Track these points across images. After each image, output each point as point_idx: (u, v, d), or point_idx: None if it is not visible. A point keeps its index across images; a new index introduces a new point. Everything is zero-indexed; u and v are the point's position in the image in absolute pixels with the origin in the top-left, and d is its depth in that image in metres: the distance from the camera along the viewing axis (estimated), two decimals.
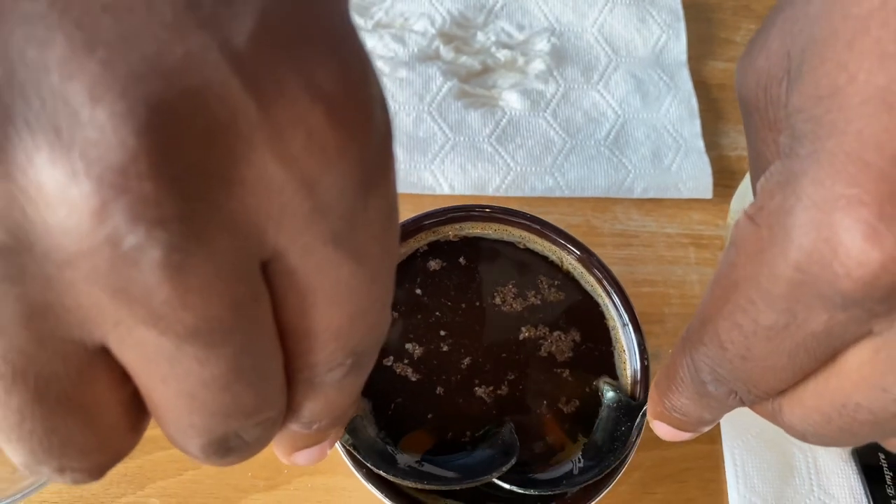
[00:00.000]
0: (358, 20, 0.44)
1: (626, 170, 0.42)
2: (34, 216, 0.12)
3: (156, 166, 0.12)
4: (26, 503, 0.33)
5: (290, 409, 0.17)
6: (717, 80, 0.46)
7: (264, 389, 0.15)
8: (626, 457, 0.28)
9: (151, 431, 0.35)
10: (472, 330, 0.30)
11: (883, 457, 0.36)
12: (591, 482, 0.28)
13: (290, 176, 0.13)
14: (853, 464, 0.37)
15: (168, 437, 0.16)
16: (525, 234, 0.32)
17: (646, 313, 0.39)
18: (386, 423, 0.29)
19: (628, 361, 0.31)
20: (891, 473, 0.36)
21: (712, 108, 0.45)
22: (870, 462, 0.36)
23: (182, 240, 0.12)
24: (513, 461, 0.27)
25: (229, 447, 0.16)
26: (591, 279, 0.32)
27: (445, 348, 0.30)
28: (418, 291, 0.31)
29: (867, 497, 0.36)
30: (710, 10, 0.48)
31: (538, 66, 0.44)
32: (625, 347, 0.31)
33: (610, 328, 0.32)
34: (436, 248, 0.32)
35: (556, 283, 0.32)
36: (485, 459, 0.28)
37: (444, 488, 0.27)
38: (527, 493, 0.27)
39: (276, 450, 0.20)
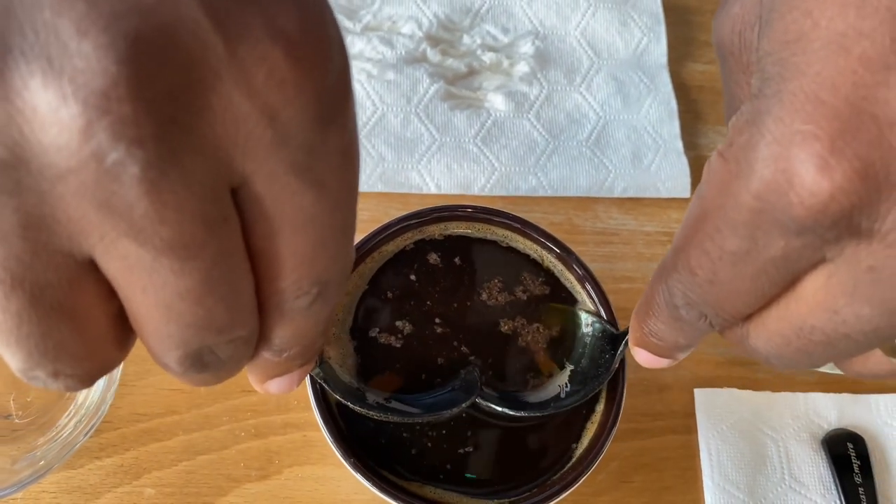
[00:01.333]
0: (346, 23, 0.45)
1: (607, 170, 0.43)
2: (29, 135, 0.13)
3: (134, 91, 0.13)
4: (26, 494, 0.34)
5: (261, 337, 0.19)
6: (697, 81, 0.48)
7: (235, 307, 0.17)
8: (621, 385, 0.30)
9: (146, 424, 0.36)
10: (455, 318, 0.32)
11: (851, 446, 0.38)
12: (575, 405, 0.30)
13: (253, 107, 0.15)
14: (823, 453, 0.38)
15: (149, 351, 0.17)
16: (507, 232, 0.34)
17: (625, 308, 0.40)
18: (362, 376, 0.30)
19: None
20: (858, 462, 0.38)
21: (691, 109, 0.46)
22: (838, 451, 0.38)
23: (157, 158, 0.14)
24: (473, 398, 0.29)
25: (204, 362, 0.17)
26: (571, 276, 0.33)
27: (428, 330, 0.31)
28: (407, 281, 0.32)
29: (836, 484, 0.37)
30: (690, 14, 0.49)
31: (522, 68, 0.45)
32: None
33: None
34: (422, 246, 0.33)
35: (539, 280, 0.33)
36: (448, 398, 0.29)
37: (406, 420, 0.29)
38: (517, 414, 0.29)
39: (250, 378, 0.22)
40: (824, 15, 0.17)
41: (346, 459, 0.29)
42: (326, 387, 0.28)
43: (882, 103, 0.16)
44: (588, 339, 0.31)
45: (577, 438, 0.31)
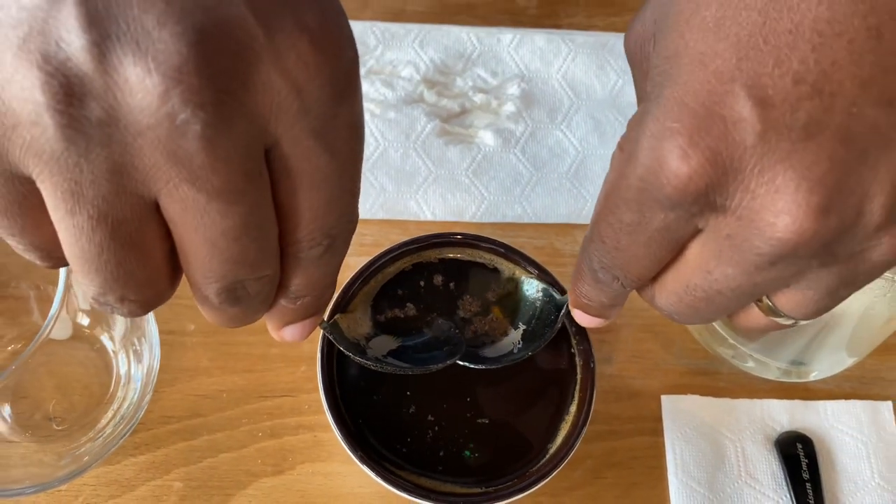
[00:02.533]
0: None
1: (585, 199, 0.48)
2: (121, 100, 0.18)
3: (199, 68, 0.18)
4: (69, 486, 0.39)
5: (280, 285, 0.24)
6: None
7: (264, 248, 0.21)
8: (590, 391, 0.36)
9: (175, 426, 0.41)
10: (444, 313, 0.37)
11: (800, 447, 0.43)
12: (523, 358, 0.34)
13: (284, 83, 0.20)
14: (775, 453, 0.43)
15: (193, 286, 0.22)
16: (493, 256, 0.38)
17: None
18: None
19: (579, 365, 0.37)
20: (806, 461, 0.42)
21: None
22: (789, 452, 0.43)
23: (214, 119, 0.19)
24: (454, 360, 0.33)
25: (237, 296, 0.22)
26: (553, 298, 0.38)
27: (421, 322, 0.36)
28: (405, 300, 0.37)
29: (786, 481, 0.42)
30: None
31: (509, 108, 0.50)
32: (576, 353, 0.37)
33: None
34: (419, 268, 0.38)
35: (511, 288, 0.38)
36: (434, 357, 0.34)
37: (399, 372, 0.33)
38: (477, 367, 0.34)
39: (269, 325, 0.26)
40: (692, 37, 0.22)
41: (353, 453, 0.34)
42: (333, 340, 0.32)
43: (728, 107, 0.20)
44: (538, 304, 0.36)
45: (552, 438, 0.36)
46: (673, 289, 0.25)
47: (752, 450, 0.43)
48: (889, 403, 0.44)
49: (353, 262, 0.45)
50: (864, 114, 0.20)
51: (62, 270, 0.30)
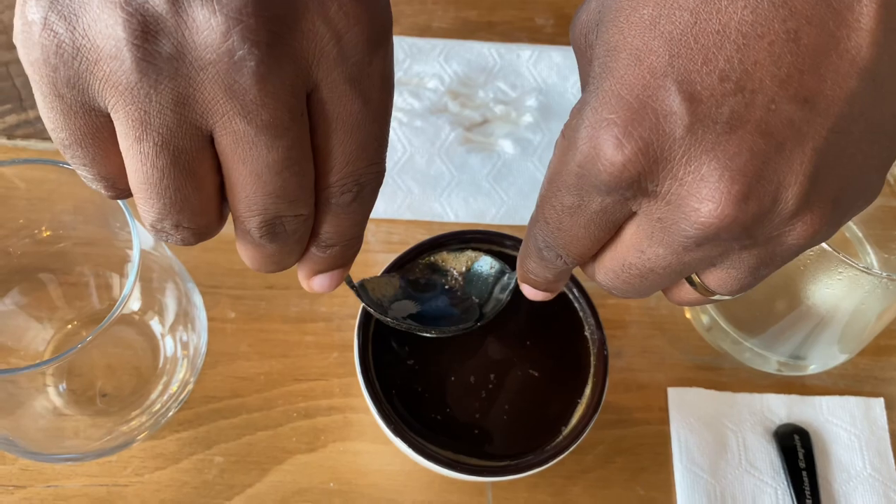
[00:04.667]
0: None
1: None
2: (188, 37, 0.20)
3: (257, 11, 0.21)
4: (119, 457, 0.42)
5: (312, 234, 0.26)
6: None
7: (302, 185, 0.23)
8: (602, 381, 0.39)
9: (217, 405, 0.44)
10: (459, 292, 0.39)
11: (797, 438, 0.46)
12: (479, 326, 0.36)
13: (327, 29, 0.22)
14: (774, 444, 0.46)
15: (237, 218, 0.24)
16: (515, 252, 0.42)
17: (611, 320, 0.48)
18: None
19: (592, 350, 0.40)
20: (803, 451, 0.45)
21: None
22: (787, 443, 0.45)
23: (267, 57, 0.21)
24: (471, 325, 0.36)
25: (275, 232, 0.25)
26: (564, 288, 0.41)
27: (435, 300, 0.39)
28: (429, 275, 0.40)
29: (784, 469, 0.45)
30: None
31: (528, 119, 0.54)
32: (591, 342, 0.40)
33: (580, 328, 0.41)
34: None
35: None
36: (449, 321, 0.36)
37: (419, 332, 0.35)
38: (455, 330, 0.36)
39: (300, 274, 0.29)
40: (630, 33, 0.22)
41: (387, 425, 0.37)
42: (358, 297, 0.34)
43: (660, 101, 0.22)
44: (491, 279, 0.38)
45: (567, 419, 0.39)
46: (611, 266, 0.27)
47: (752, 440, 0.46)
48: (881, 400, 0.47)
49: (382, 259, 0.48)
50: (782, 110, 0.21)
51: (134, 259, 0.33)
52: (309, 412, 0.44)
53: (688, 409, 0.46)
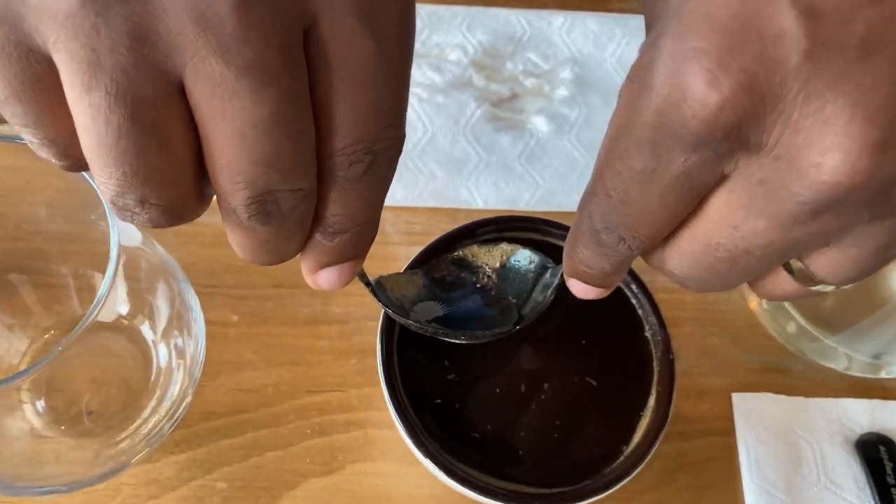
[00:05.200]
0: None
1: None
2: None
3: None
4: (107, 485, 0.36)
5: (317, 215, 0.21)
6: None
7: (299, 151, 0.19)
8: (669, 390, 0.32)
9: (218, 422, 0.39)
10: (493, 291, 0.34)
11: (884, 449, 0.40)
12: (515, 331, 0.30)
13: None
14: (856, 456, 0.40)
15: (220, 198, 0.19)
16: (562, 242, 0.36)
17: (669, 318, 0.42)
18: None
19: (654, 355, 0.34)
20: (891, 464, 0.39)
21: None
22: (871, 454, 0.40)
23: None
24: (508, 328, 0.30)
25: (268, 211, 0.19)
26: (620, 284, 0.35)
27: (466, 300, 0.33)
28: (458, 271, 0.34)
29: (870, 486, 0.39)
30: None
31: (562, 92, 0.48)
32: (652, 344, 0.35)
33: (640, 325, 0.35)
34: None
35: None
36: (482, 324, 0.31)
37: (444, 337, 0.30)
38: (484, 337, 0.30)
39: (304, 268, 0.23)
40: None
41: (417, 447, 0.31)
42: (375, 297, 0.29)
43: (767, 20, 0.17)
44: (531, 275, 0.32)
45: (628, 437, 0.33)
46: (690, 249, 0.21)
47: (830, 452, 0.40)
48: None
49: (403, 253, 0.43)
50: None
51: (112, 252, 0.27)
52: (324, 428, 0.38)
53: (755, 417, 0.41)
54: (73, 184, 0.31)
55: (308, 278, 0.24)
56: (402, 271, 0.33)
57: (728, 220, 0.20)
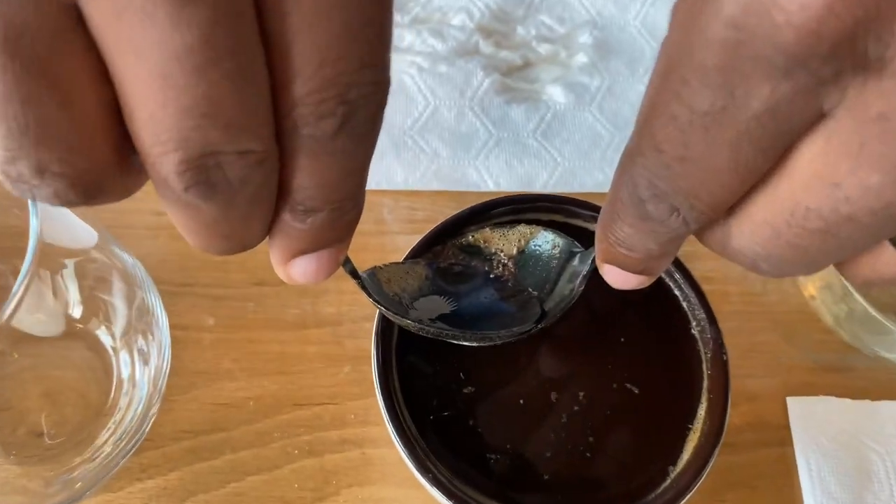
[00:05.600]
0: (394, 16, 0.43)
1: None
2: None
3: None
4: None
5: (281, 189, 0.16)
6: None
7: (245, 96, 0.14)
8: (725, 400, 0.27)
9: (191, 442, 0.33)
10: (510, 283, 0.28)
11: None
12: (536, 331, 0.25)
13: None
14: None
15: (146, 158, 0.14)
16: (589, 224, 0.31)
17: None
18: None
19: (703, 355, 0.29)
20: None
21: None
22: None
23: None
24: (523, 329, 0.25)
25: (211, 181, 0.14)
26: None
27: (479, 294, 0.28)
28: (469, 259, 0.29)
29: None
30: None
31: (581, 59, 0.43)
32: (700, 342, 0.29)
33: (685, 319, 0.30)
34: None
35: None
36: (497, 322, 0.26)
37: (444, 339, 0.25)
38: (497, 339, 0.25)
39: (273, 257, 0.18)
40: None
41: (418, 469, 0.26)
42: (364, 292, 0.23)
43: None
44: (554, 263, 0.27)
45: (676, 455, 0.28)
46: (766, 219, 0.16)
47: None
48: None
49: (403, 243, 0.37)
50: None
51: (31, 238, 0.22)
52: (315, 448, 0.33)
53: (815, 424, 0.35)
54: None
55: (279, 270, 0.19)
56: (400, 261, 0.28)
57: (825, 177, 0.15)
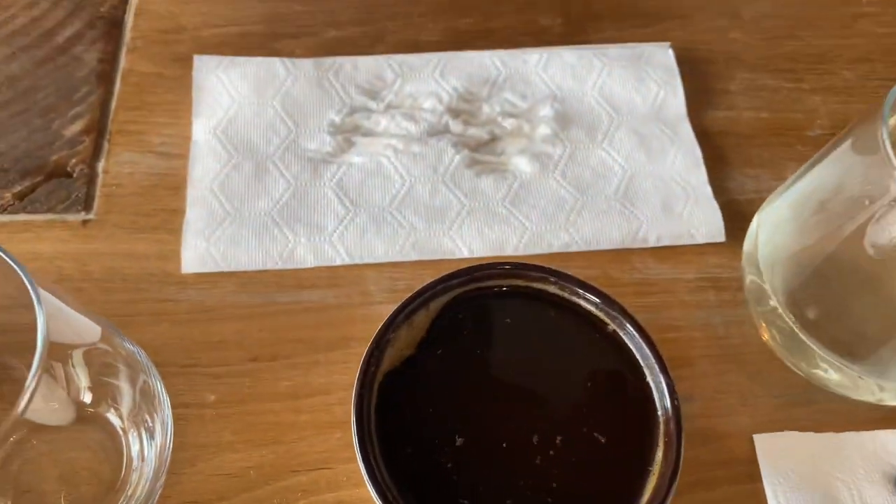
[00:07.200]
0: (369, 104, 0.46)
1: (639, 220, 0.43)
2: None
3: None
4: None
5: None
6: (719, 127, 0.48)
7: None
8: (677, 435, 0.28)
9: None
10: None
11: None
12: None
13: None
14: None
15: None
16: (546, 286, 0.33)
17: (674, 358, 0.39)
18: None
19: (658, 402, 0.31)
20: None
21: (717, 155, 0.47)
22: None
23: None
24: None
25: None
26: (614, 326, 0.33)
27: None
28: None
29: None
30: (702, 64, 0.50)
31: (544, 130, 0.46)
32: (654, 389, 0.32)
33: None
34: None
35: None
36: None
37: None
38: None
39: None
40: None
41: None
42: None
43: None
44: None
45: (638, 496, 0.30)
46: None
47: (870, 492, 0.36)
48: None
49: (388, 312, 0.40)
50: None
51: (39, 339, 0.25)
52: None
53: (782, 459, 0.37)
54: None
55: None
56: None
57: None
